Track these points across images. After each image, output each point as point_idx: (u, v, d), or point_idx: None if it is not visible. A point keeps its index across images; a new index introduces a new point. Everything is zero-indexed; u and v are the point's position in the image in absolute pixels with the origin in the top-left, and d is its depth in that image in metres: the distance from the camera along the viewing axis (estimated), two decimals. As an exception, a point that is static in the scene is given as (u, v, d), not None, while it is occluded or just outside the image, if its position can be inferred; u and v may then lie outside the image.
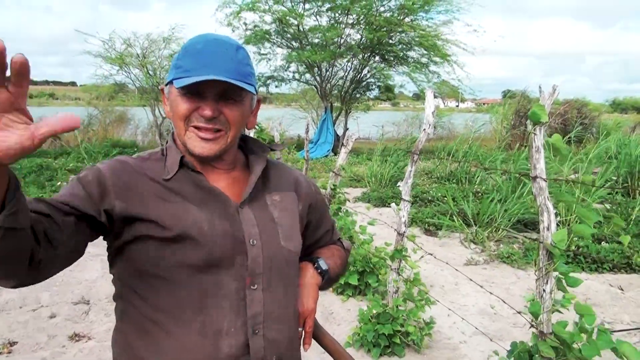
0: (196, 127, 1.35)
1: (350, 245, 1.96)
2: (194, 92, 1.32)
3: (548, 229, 2.76)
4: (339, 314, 5.12)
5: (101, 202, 1.30)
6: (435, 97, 4.17)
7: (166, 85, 1.42)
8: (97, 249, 2.04)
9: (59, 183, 11.51)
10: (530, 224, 8.28)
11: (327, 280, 1.69)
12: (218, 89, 1.32)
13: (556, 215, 2.81)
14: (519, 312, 3.37)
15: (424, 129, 4.16)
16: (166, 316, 1.34)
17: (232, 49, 1.35)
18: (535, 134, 2.76)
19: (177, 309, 1.33)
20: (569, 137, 15.28)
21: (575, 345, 2.66)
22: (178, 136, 1.41)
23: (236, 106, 1.37)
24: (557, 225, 2.80)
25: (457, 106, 57.32)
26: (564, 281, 2.69)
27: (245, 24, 20.56)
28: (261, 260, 1.40)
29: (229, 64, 1.32)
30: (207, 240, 1.33)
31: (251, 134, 9.33)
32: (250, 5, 19.44)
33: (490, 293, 3.83)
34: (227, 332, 1.35)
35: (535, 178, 2.78)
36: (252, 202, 1.45)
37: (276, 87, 23.98)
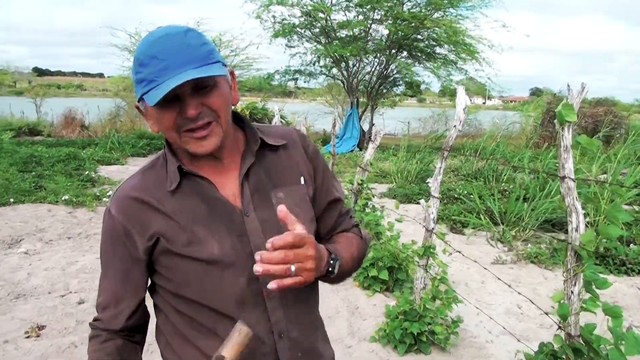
0: (188, 131, 1.30)
1: (369, 236, 1.76)
2: (169, 99, 1.25)
3: (576, 230, 2.74)
4: (364, 309, 5.13)
5: (137, 249, 1.40)
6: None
7: (139, 102, 1.35)
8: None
9: (86, 172, 11.66)
10: (558, 224, 8.19)
11: (336, 276, 1.42)
12: (191, 84, 1.25)
13: (585, 216, 2.79)
14: (547, 313, 3.35)
15: (454, 125, 4.13)
16: (199, 328, 1.42)
17: (181, 37, 1.27)
18: (563, 133, 2.74)
19: (208, 323, 1.40)
20: (597, 137, 15.08)
21: (602, 348, 2.64)
22: (174, 144, 1.38)
23: (215, 92, 1.31)
24: (586, 226, 2.77)
25: (484, 103, 56.81)
26: (592, 283, 2.67)
27: (274, 17, 20.61)
28: None
29: (186, 55, 1.25)
30: (219, 265, 1.36)
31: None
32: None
33: (519, 293, 3.82)
34: (258, 339, 1.40)
35: (563, 178, 2.75)
36: (256, 203, 1.42)
37: (305, 82, 23.99)
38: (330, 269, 1.36)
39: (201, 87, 1.28)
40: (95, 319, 1.51)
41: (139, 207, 1.38)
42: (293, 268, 1.18)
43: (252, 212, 1.40)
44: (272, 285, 1.16)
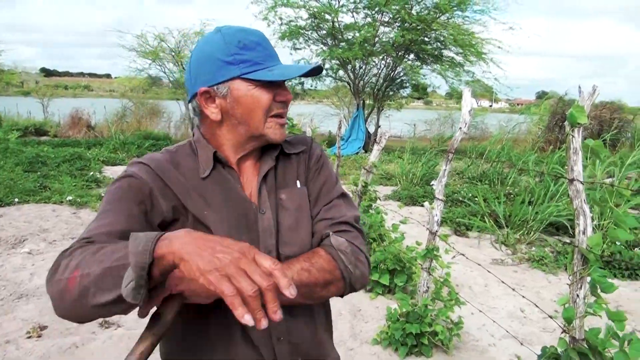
0: (274, 116, 1.38)
1: (345, 244, 1.39)
2: (272, 81, 1.35)
3: (584, 233, 2.71)
4: (367, 312, 5.11)
5: (154, 214, 1.31)
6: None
7: (216, 85, 1.34)
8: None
9: (91, 173, 11.69)
10: (562, 227, 8.16)
11: None
12: None
13: (592, 219, 2.76)
14: (551, 317, 3.33)
15: (460, 128, 4.11)
16: (197, 329, 1.37)
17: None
18: (573, 135, 2.71)
19: (204, 324, 1.35)
20: (603, 140, 15.01)
21: (607, 353, 2.62)
22: (255, 130, 1.37)
23: (287, 89, 1.41)
24: (592, 229, 2.75)
25: (491, 106, 56.69)
26: (598, 286, 2.65)
27: (280, 18, 20.60)
28: None
29: (275, 51, 1.41)
30: None
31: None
32: (285, 1, 19.47)
33: (523, 297, 3.79)
34: (257, 341, 1.36)
35: (572, 180, 2.73)
36: (271, 203, 1.43)
37: (311, 87, 24.08)
38: None
39: (285, 81, 1.40)
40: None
41: (170, 169, 1.38)
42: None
43: (268, 211, 1.41)
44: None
